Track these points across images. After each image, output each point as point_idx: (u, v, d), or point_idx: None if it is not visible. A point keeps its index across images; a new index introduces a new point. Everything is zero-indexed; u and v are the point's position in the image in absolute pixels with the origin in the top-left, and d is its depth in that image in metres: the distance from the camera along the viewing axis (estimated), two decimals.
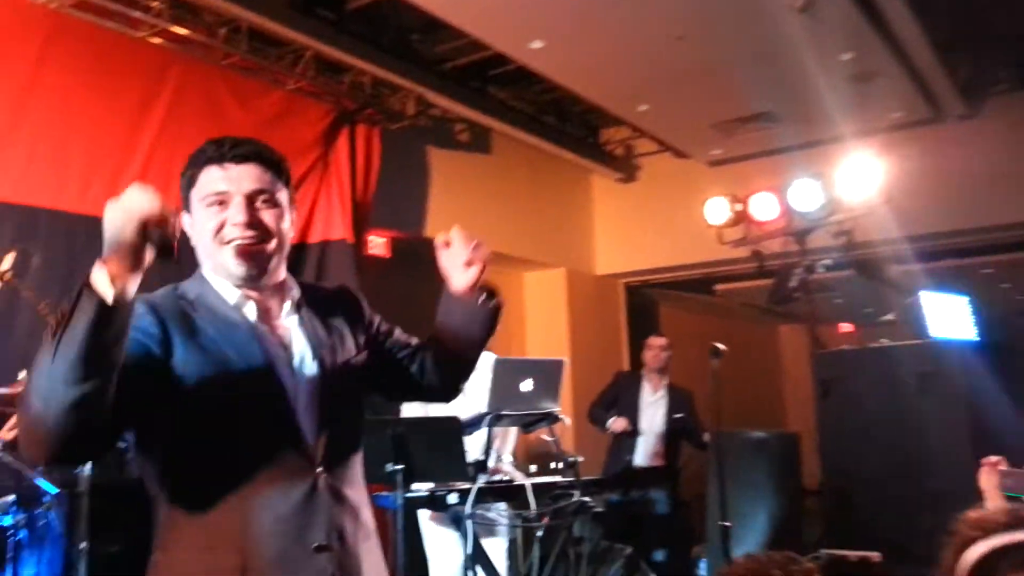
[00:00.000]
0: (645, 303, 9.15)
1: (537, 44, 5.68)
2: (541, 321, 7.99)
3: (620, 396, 5.62)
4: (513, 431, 4.33)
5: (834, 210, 5.28)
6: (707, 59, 5.51)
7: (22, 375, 3.94)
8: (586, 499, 3.75)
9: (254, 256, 1.49)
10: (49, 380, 1.14)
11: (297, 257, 6.11)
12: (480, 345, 1.72)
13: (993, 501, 2.17)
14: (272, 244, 1.51)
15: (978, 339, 4.45)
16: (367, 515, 1.55)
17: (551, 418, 3.84)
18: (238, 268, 1.49)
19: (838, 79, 5.50)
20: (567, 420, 3.86)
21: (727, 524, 3.29)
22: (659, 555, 5.05)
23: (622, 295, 8.84)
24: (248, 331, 1.49)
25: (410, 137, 6.83)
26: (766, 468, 4.55)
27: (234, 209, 1.48)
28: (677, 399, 5.58)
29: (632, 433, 5.34)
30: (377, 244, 6.70)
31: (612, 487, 5.02)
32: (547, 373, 3.87)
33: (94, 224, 4.45)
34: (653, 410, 5.48)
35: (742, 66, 5.37)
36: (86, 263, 4.04)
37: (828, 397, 4.56)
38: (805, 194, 5.31)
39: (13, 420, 3.99)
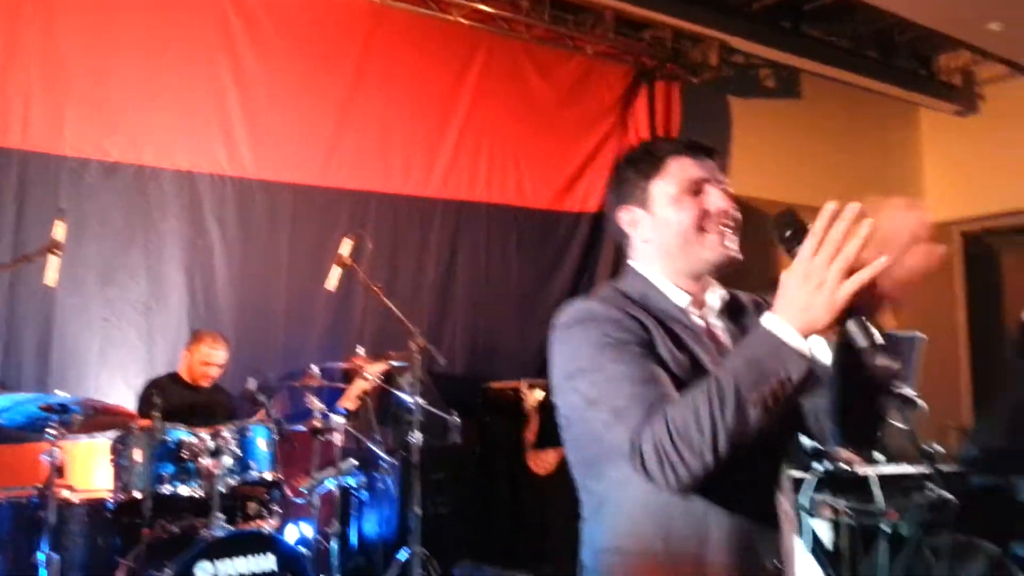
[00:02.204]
0: (983, 253, 7.95)
1: None
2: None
3: None
4: None
5: None
6: None
7: (361, 350, 4.29)
8: (944, 494, 3.27)
9: (732, 244, 1.44)
10: (730, 435, 1.19)
11: (595, 227, 6.06)
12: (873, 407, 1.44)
13: None
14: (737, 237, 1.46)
15: None
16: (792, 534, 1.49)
17: (904, 401, 3.37)
18: (721, 256, 1.43)
19: None
20: (923, 405, 3.37)
21: None
22: (1019, 547, 4.32)
23: (958, 245, 7.75)
24: (701, 335, 1.43)
25: (712, 90, 6.46)
26: None
27: (717, 197, 1.43)
28: None
29: None
30: None
31: (971, 475, 4.35)
32: (900, 350, 3.40)
33: (415, 204, 4.72)
34: None
35: None
36: (409, 244, 4.28)
37: None
38: None
39: (354, 389, 4.36)
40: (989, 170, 7.13)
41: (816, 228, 1.17)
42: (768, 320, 1.21)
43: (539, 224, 5.77)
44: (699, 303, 1.45)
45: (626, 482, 1.31)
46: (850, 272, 1.16)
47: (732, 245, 1.43)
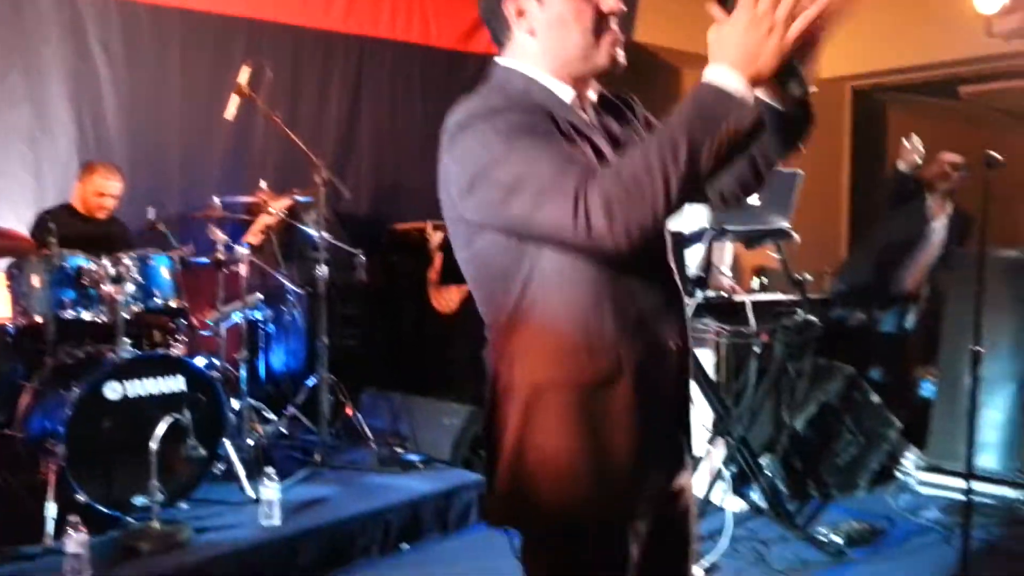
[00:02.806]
0: (871, 109, 8.30)
1: None
2: None
3: (905, 221, 4.78)
4: (729, 246, 4.15)
5: None
6: None
7: (264, 184, 4.23)
8: (810, 318, 3.58)
9: (622, 49, 1.38)
10: (682, 184, 1.16)
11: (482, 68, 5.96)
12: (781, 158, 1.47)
13: None
14: None
15: None
16: None
17: (779, 234, 3.62)
18: (613, 62, 1.38)
19: None
20: (796, 237, 3.63)
21: (979, 349, 3.01)
22: (875, 373, 4.82)
23: (848, 100, 8.06)
24: (593, 128, 1.39)
25: None
26: (1016, 290, 4.09)
27: None
28: (960, 227, 4.74)
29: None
30: None
31: (837, 306, 4.75)
32: (779, 185, 3.59)
33: (316, 37, 4.54)
34: (933, 243, 4.75)
35: None
36: (311, 78, 4.16)
37: None
38: None
39: (257, 224, 4.34)
40: (880, 27, 7.29)
41: None
42: (714, 72, 1.18)
43: (445, 65, 5.66)
44: (583, 98, 1.40)
45: (546, 281, 1.31)
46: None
47: (622, 51, 1.38)
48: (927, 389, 4.61)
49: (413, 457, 3.87)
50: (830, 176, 7.60)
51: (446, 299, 4.87)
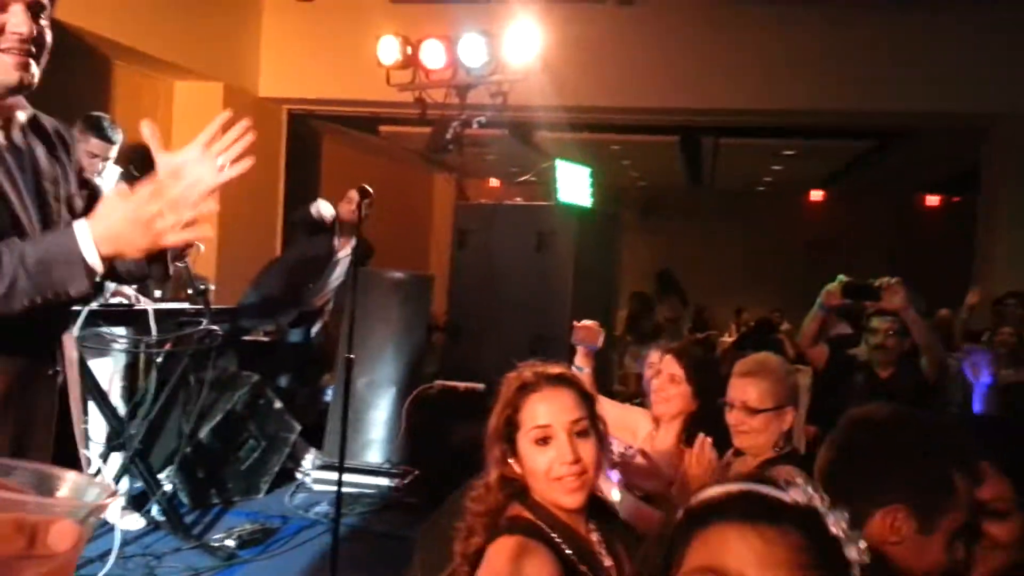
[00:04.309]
0: (308, 134, 8.90)
1: None
2: (190, 138, 7.30)
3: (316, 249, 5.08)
4: None
5: (496, 70, 5.42)
6: None
7: None
8: (213, 327, 3.66)
9: (29, 70, 1.37)
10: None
11: None
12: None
13: (579, 357, 2.43)
14: (43, 59, 1.41)
15: (591, 207, 5.01)
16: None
17: (184, 248, 3.63)
18: (11, 81, 1.35)
19: None
20: (201, 247, 3.69)
21: (351, 356, 3.43)
22: (284, 382, 5.13)
23: (284, 122, 8.49)
24: (3, 152, 1.39)
25: None
26: (399, 306, 4.76)
27: (16, 17, 1.33)
28: (363, 251, 5.05)
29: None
30: None
31: (245, 317, 4.94)
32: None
33: None
34: (339, 268, 5.15)
35: None
36: None
37: (464, 245, 4.86)
38: (472, 49, 5.38)
39: None
40: (318, 59, 7.84)
41: (159, 176, 1.29)
42: (81, 231, 1.27)
43: None
44: (4, 118, 1.41)
45: None
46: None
47: (31, 70, 1.38)
48: (329, 394, 5.08)
49: None
50: (266, 192, 7.90)
51: None
